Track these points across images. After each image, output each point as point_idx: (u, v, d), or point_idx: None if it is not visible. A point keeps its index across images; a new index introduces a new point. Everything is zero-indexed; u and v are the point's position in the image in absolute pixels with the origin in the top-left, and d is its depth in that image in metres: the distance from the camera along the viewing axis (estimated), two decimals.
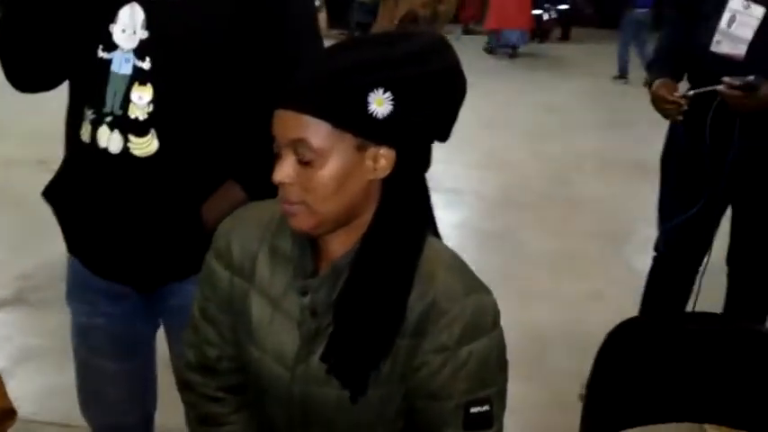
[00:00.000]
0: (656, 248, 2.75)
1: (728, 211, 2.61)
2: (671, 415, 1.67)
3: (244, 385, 1.34)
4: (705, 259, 2.60)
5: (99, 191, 1.51)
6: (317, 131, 1.08)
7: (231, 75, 1.46)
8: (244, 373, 1.31)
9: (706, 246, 2.58)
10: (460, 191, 5.22)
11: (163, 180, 1.47)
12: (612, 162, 5.95)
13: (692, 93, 2.38)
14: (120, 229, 1.52)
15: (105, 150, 1.46)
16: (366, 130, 1.09)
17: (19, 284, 3.66)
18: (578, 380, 2.78)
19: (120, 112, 1.44)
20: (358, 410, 1.18)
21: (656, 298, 2.73)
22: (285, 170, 1.11)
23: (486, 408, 1.16)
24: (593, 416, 1.59)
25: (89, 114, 1.48)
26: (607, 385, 1.62)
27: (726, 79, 2.24)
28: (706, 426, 2.30)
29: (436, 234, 1.23)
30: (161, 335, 1.75)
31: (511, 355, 1.20)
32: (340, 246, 1.17)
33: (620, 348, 1.61)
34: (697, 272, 2.62)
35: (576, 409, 1.60)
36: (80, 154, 1.51)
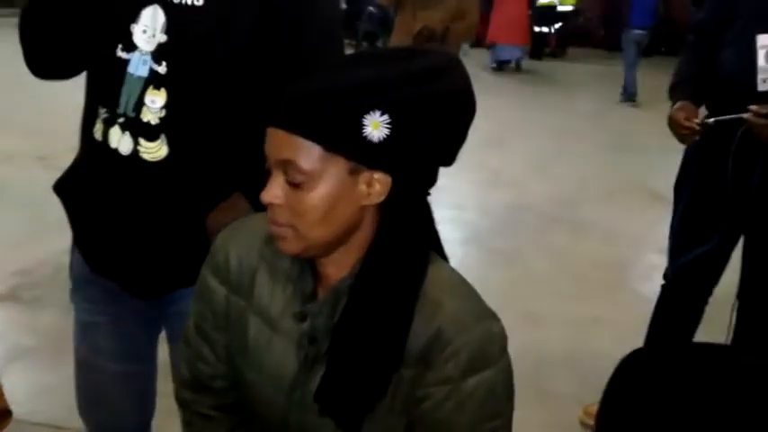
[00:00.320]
0: (666, 276, 2.70)
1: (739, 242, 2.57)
2: None
3: (239, 404, 1.28)
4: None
5: (107, 190, 1.49)
6: (307, 153, 1.03)
7: (246, 84, 1.44)
8: (238, 391, 1.26)
9: (717, 276, 2.55)
10: (464, 206, 5.18)
11: (170, 186, 1.45)
12: (619, 186, 5.91)
13: (712, 120, 2.34)
14: (123, 231, 1.50)
15: (116, 151, 1.45)
16: (359, 154, 1.03)
17: (14, 281, 3.61)
18: (580, 404, 2.76)
19: (132, 115, 1.43)
20: None
21: (664, 326, 2.68)
22: (273, 191, 1.07)
23: None
24: None
25: (102, 113, 1.47)
26: (618, 418, 1.57)
27: (753, 108, 2.20)
28: None
29: (443, 256, 1.17)
30: (162, 338, 1.71)
31: None
32: (337, 269, 1.12)
33: (631, 379, 1.56)
34: (707, 302, 2.59)
35: None
36: (92, 151, 1.51)
